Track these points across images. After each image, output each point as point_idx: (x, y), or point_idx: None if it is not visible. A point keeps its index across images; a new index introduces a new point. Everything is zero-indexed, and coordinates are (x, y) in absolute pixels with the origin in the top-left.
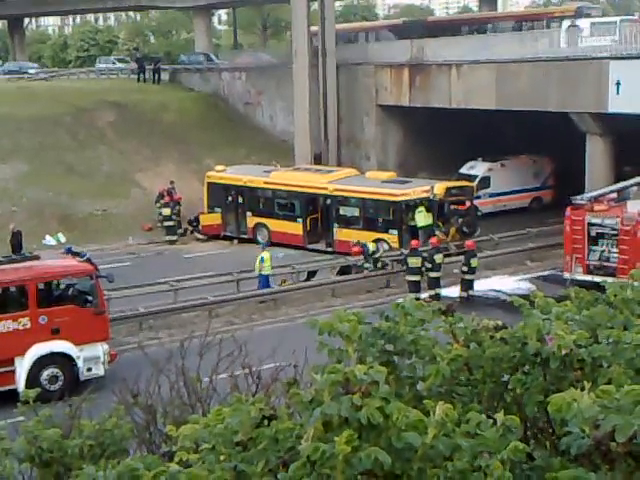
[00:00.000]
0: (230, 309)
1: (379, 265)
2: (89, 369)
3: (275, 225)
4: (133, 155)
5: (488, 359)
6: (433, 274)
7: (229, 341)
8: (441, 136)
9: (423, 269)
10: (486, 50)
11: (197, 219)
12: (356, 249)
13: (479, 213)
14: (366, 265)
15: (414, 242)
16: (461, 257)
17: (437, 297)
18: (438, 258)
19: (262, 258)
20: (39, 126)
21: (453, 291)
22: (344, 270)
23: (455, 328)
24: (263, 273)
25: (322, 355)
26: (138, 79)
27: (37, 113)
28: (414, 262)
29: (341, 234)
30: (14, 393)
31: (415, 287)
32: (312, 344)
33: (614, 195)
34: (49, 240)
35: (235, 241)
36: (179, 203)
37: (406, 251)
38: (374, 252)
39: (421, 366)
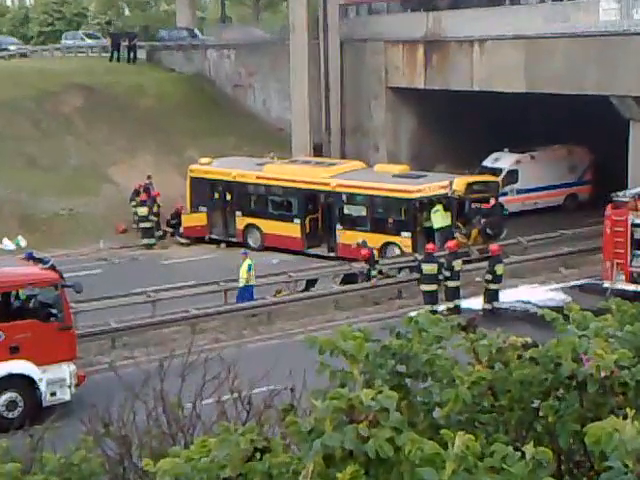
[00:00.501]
0: (216, 324)
1: (374, 273)
2: (53, 393)
3: (269, 227)
4: (104, 146)
5: (515, 382)
6: (452, 283)
7: (215, 361)
8: (461, 123)
9: (440, 277)
10: (514, 24)
11: (177, 219)
12: (364, 252)
13: (505, 212)
14: (373, 272)
15: (430, 246)
16: (484, 263)
17: (456, 310)
18: (457, 265)
19: (250, 266)
20: None
21: (475, 303)
22: (349, 279)
23: (477, 346)
24: (250, 284)
25: (323, 378)
26: (111, 58)
27: None
28: (430, 269)
29: (345, 237)
30: None
31: (431, 298)
32: (311, 365)
33: None
34: (7, 244)
35: (222, 245)
36: (156, 201)
37: (420, 256)
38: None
39: (438, 390)
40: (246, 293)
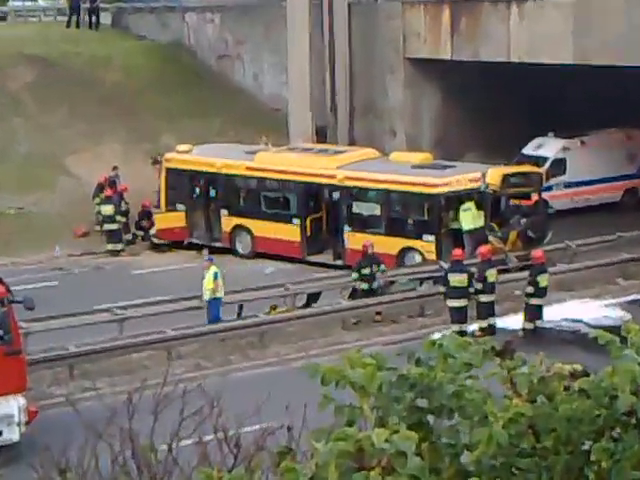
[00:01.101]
0: (197, 347)
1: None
2: None
3: (261, 229)
4: (61, 130)
5: (562, 419)
6: (485, 297)
7: (196, 393)
8: (496, 102)
9: (471, 290)
10: None
11: (147, 219)
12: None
13: (550, 211)
14: (353, 275)
15: (458, 252)
16: (525, 273)
17: (490, 330)
18: (491, 275)
19: (216, 274)
20: None
21: (513, 321)
22: (362, 293)
23: (515, 375)
24: (217, 296)
25: (326, 414)
26: (68, 23)
27: None
28: (458, 281)
29: (355, 241)
30: None
31: (459, 316)
32: (313, 398)
33: None
34: None
35: (205, 251)
36: (124, 198)
37: (447, 265)
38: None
39: (467, 429)
40: (213, 307)
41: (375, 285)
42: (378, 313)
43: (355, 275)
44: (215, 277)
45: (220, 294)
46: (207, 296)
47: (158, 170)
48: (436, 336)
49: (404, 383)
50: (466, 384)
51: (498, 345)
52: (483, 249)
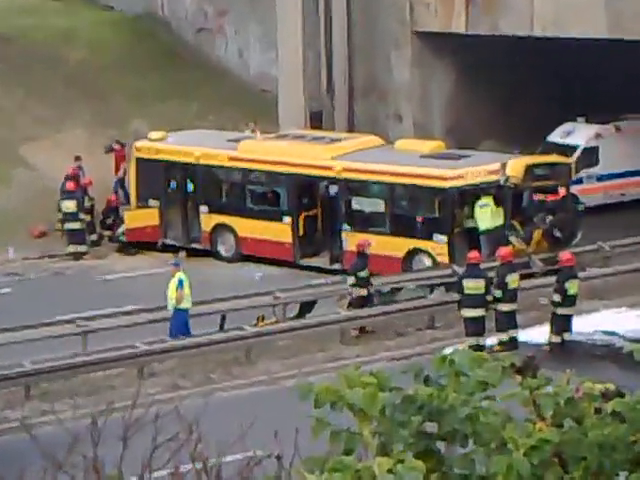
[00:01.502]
0: (174, 364)
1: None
2: None
3: (247, 228)
4: (17, 115)
5: (592, 446)
6: (505, 306)
7: (172, 417)
8: (518, 83)
9: (489, 298)
10: None
11: (114, 217)
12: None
13: (580, 207)
14: (349, 280)
15: (474, 255)
16: (551, 279)
17: (512, 344)
18: (513, 281)
19: (181, 281)
20: None
21: (538, 334)
22: (360, 300)
23: (539, 396)
24: (183, 307)
25: (321, 440)
26: None
27: None
28: (474, 287)
29: (355, 242)
30: None
31: (476, 327)
32: (306, 422)
33: None
34: None
35: (181, 254)
36: (88, 193)
37: (461, 269)
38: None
39: (483, 458)
40: (178, 320)
41: (372, 290)
42: (360, 329)
43: (351, 280)
44: (179, 285)
45: (186, 305)
46: (171, 306)
47: (116, 159)
48: (448, 351)
49: (410, 405)
50: (482, 406)
51: (519, 361)
52: (503, 251)
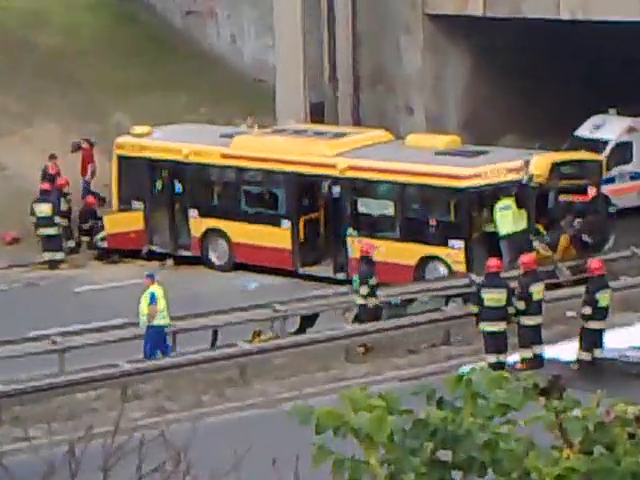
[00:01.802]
0: (160, 385)
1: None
2: None
3: (241, 233)
4: None
5: (625, 476)
6: (529, 319)
7: (158, 443)
8: (542, 71)
9: (511, 311)
10: None
11: (92, 220)
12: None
13: (612, 209)
14: (362, 290)
15: (494, 263)
16: (581, 289)
17: (536, 361)
18: (537, 291)
19: (153, 295)
20: None
21: (566, 350)
22: (371, 312)
23: (566, 420)
24: (157, 324)
25: (323, 470)
26: None
27: None
28: (495, 298)
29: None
30: None
31: (496, 343)
32: (306, 449)
33: None
34: None
35: (168, 261)
36: (64, 194)
37: (479, 278)
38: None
39: None
40: (154, 338)
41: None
42: (365, 346)
43: (365, 289)
44: (151, 300)
45: (163, 321)
46: (143, 323)
47: (83, 159)
48: (464, 370)
49: (422, 430)
50: (502, 431)
51: (544, 381)
52: (526, 258)
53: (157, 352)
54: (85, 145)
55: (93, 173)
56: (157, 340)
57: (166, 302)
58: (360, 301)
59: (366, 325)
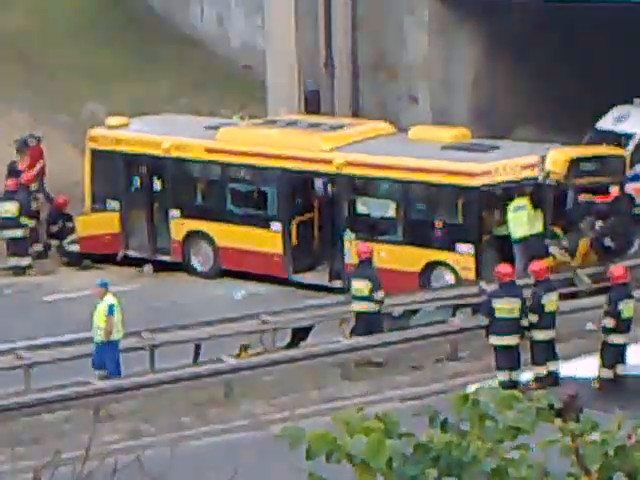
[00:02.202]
0: (136, 405)
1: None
2: None
3: (227, 236)
4: None
5: None
6: (541, 334)
7: (132, 471)
8: (560, 56)
9: (524, 323)
10: None
11: (61, 222)
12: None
13: (637, 210)
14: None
15: (506, 270)
16: (602, 299)
17: (551, 380)
18: (550, 302)
19: (112, 307)
20: None
21: (585, 367)
22: (367, 325)
23: (583, 444)
24: (114, 339)
25: None
26: None
27: None
28: (507, 309)
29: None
30: None
31: (508, 359)
32: (297, 476)
33: None
34: None
35: (147, 267)
36: (31, 192)
37: (490, 287)
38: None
39: None
40: (108, 354)
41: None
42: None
43: (381, 294)
44: (110, 312)
45: (117, 335)
46: (98, 337)
47: (32, 157)
48: (471, 389)
49: (424, 456)
50: (512, 457)
51: (559, 401)
52: (536, 266)
53: (116, 372)
54: (33, 142)
55: (43, 171)
56: (114, 357)
57: (121, 314)
58: (372, 307)
59: (360, 339)
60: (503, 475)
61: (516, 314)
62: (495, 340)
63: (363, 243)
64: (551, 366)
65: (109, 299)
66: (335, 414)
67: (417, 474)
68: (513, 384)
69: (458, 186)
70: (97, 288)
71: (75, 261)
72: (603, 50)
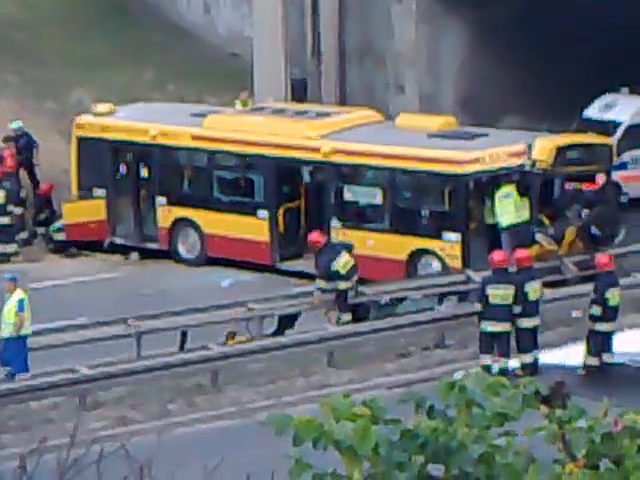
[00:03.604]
0: (123, 393)
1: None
2: None
3: (214, 224)
4: None
5: None
6: (526, 322)
7: (119, 458)
8: (548, 44)
9: (517, 310)
10: None
11: (48, 210)
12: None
13: (623, 198)
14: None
15: (499, 257)
16: (588, 287)
17: (534, 367)
18: (534, 290)
19: (22, 302)
20: None
21: (570, 355)
22: (353, 313)
23: (570, 431)
24: (23, 334)
25: None
26: None
27: None
28: (502, 295)
29: (346, 240)
30: None
31: (500, 346)
32: (283, 463)
33: None
34: None
35: (133, 255)
36: (18, 179)
37: (476, 275)
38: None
39: None
40: (16, 350)
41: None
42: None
43: (321, 283)
44: (19, 307)
45: (26, 331)
46: (6, 332)
47: (10, 150)
48: (457, 376)
49: (411, 442)
50: (499, 443)
51: (546, 388)
52: (520, 254)
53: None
54: (19, 132)
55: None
56: (22, 354)
57: (29, 311)
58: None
59: (347, 327)
60: (489, 462)
61: (510, 301)
62: (486, 326)
63: (313, 232)
64: (535, 354)
65: (19, 294)
66: (322, 400)
67: (404, 460)
68: (503, 372)
69: (445, 174)
70: (7, 282)
71: (61, 248)
72: (592, 38)
